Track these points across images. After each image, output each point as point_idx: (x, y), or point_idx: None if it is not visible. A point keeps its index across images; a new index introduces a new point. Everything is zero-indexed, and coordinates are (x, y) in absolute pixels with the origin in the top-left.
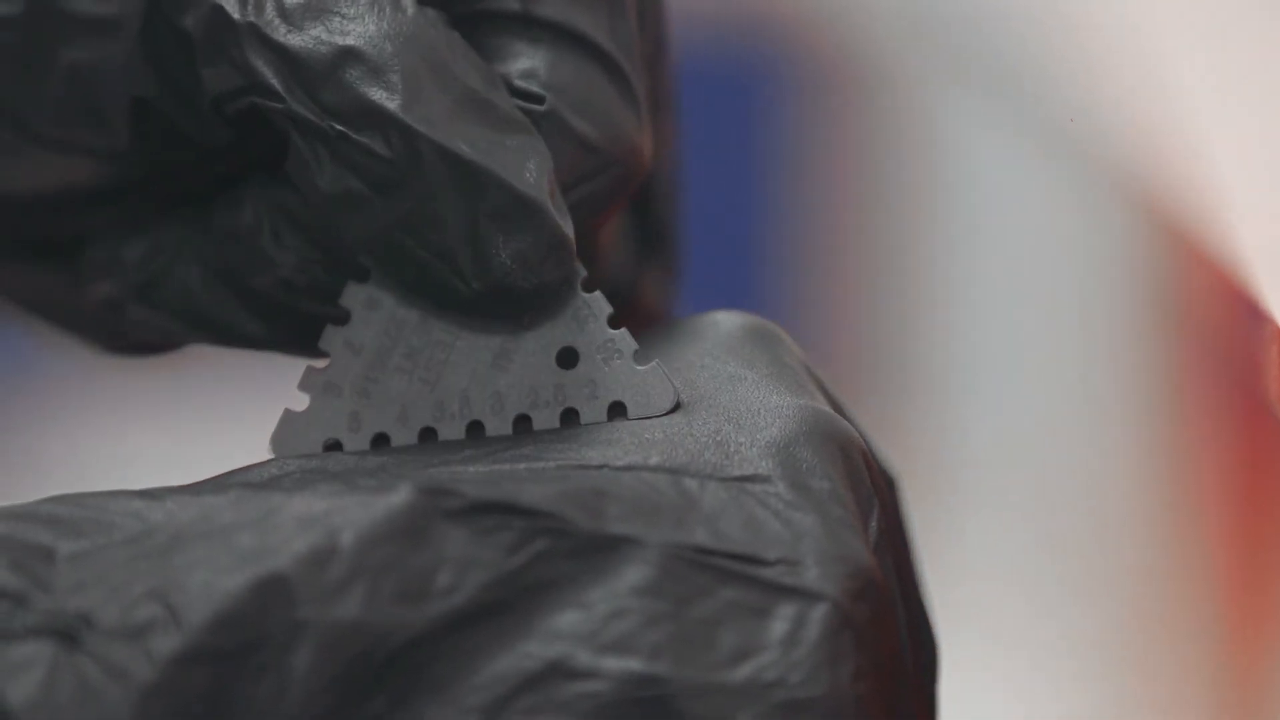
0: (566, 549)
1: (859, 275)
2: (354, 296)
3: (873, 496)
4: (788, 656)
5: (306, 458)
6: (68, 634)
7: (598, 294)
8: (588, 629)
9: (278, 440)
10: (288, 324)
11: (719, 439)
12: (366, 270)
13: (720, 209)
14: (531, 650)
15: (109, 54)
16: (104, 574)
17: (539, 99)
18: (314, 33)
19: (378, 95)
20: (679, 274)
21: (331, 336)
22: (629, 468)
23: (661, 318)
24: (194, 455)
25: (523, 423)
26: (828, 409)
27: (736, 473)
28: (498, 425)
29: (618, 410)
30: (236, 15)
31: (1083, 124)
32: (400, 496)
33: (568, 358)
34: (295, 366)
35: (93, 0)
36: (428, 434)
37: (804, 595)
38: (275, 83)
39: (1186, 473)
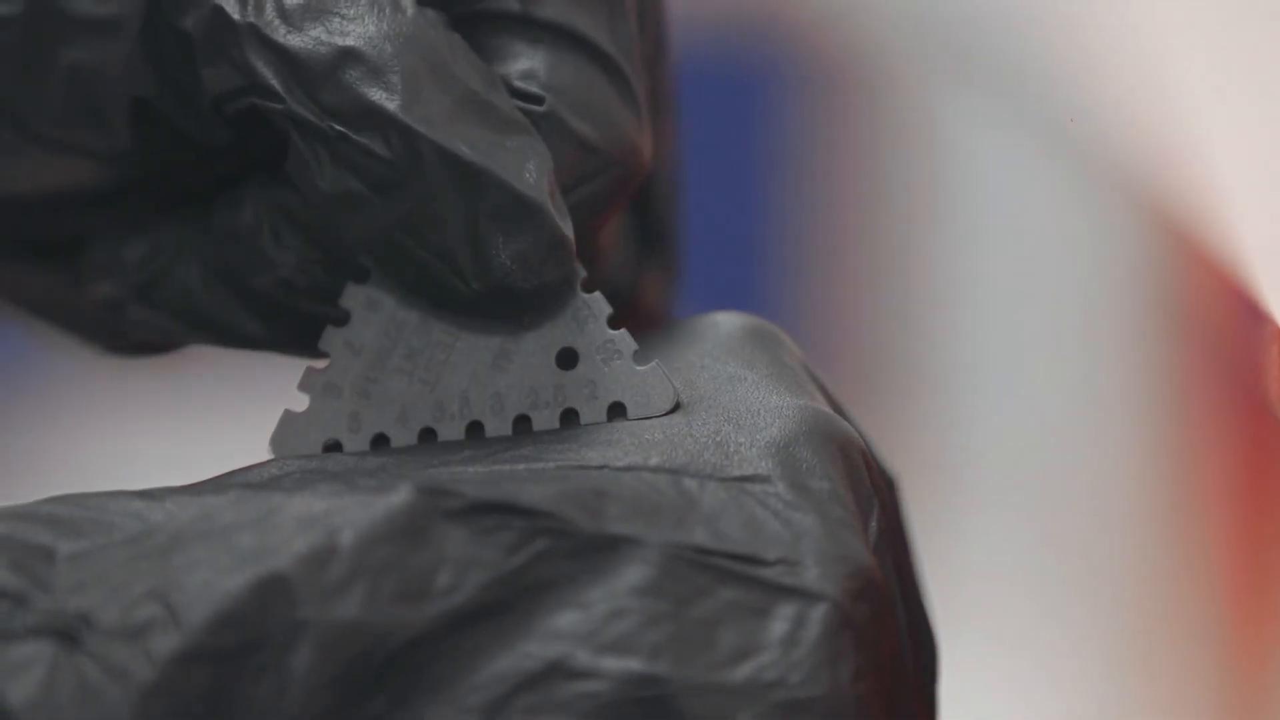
0: (566, 549)
1: (862, 275)
2: (354, 297)
3: (872, 497)
4: (788, 656)
5: (306, 458)
6: (68, 634)
7: (597, 294)
8: (587, 629)
9: (277, 441)
10: (288, 324)
11: (719, 439)
12: (366, 271)
13: (723, 209)
14: (531, 650)
15: (109, 54)
16: (104, 574)
17: (538, 100)
18: (314, 33)
19: (377, 96)
20: (679, 274)
21: (331, 337)
22: (629, 468)
23: (661, 318)
24: (194, 455)
25: (522, 423)
26: (827, 409)
27: (736, 473)
28: (497, 426)
29: (617, 411)
30: (236, 16)
31: (1085, 125)
32: (400, 496)
33: (567, 358)
34: (295, 367)
35: (93, 1)
36: (427, 434)
37: (804, 595)
38: (275, 83)
39: (1189, 473)
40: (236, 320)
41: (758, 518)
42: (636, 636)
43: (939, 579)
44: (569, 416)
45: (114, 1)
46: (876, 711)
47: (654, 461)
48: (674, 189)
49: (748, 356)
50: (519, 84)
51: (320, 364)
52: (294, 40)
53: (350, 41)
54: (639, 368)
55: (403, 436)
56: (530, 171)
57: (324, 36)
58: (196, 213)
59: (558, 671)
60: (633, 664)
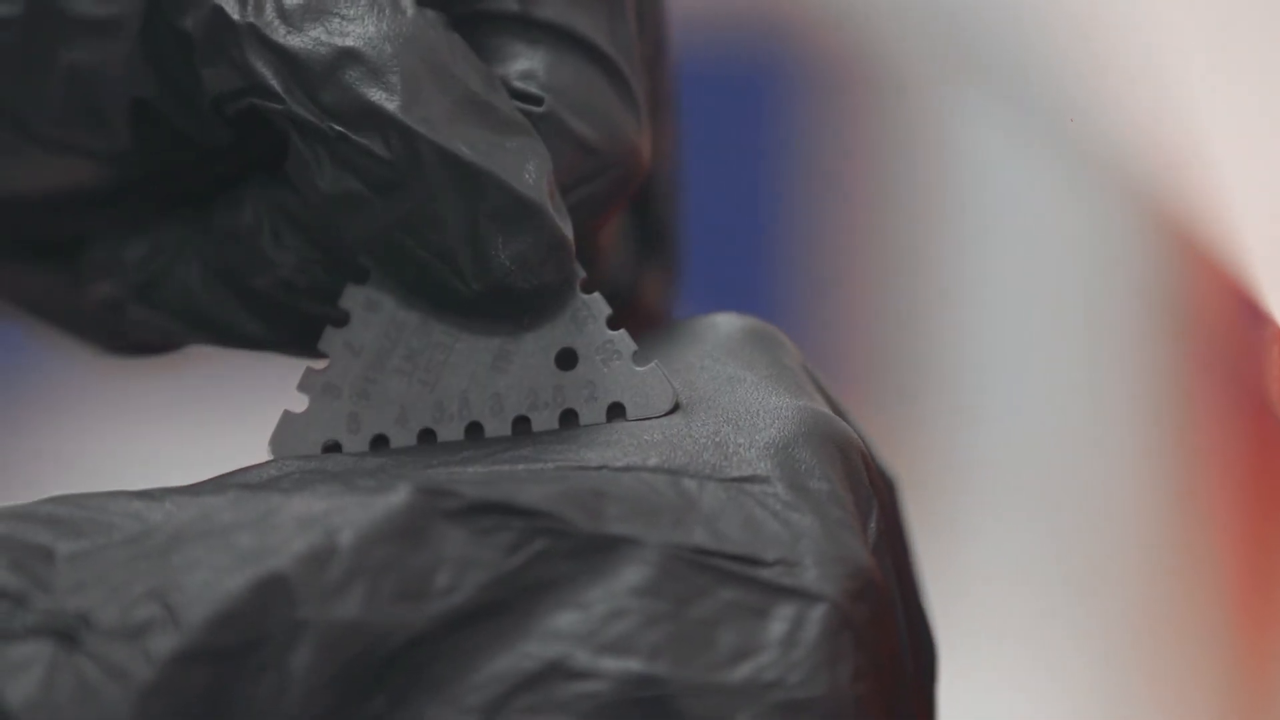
0: (565, 549)
1: (865, 276)
2: (353, 298)
3: (872, 498)
4: (787, 657)
5: (305, 459)
6: (67, 634)
7: (597, 295)
8: (586, 629)
9: (277, 441)
10: (288, 324)
11: (718, 440)
12: (366, 272)
13: (726, 209)
14: (530, 650)
15: (109, 55)
16: (103, 574)
17: (538, 100)
18: (314, 34)
19: (377, 96)
20: (679, 275)
21: (331, 338)
22: (628, 468)
23: (661, 318)
24: (193, 456)
25: (522, 424)
26: (827, 410)
27: (735, 473)
28: (497, 426)
29: (617, 411)
30: (236, 16)
31: (1090, 127)
32: (399, 497)
33: (567, 359)
34: (295, 367)
35: (93, 1)
36: (427, 435)
37: (803, 596)
38: (275, 84)
39: (1192, 473)
40: (236, 320)
41: (757, 518)
42: (635, 637)
43: (945, 580)
44: (568, 417)
45: (114, 1)
46: (876, 712)
47: (653, 462)
48: (674, 189)
49: (747, 358)
50: (518, 84)
51: (320, 365)
52: (294, 40)
53: (350, 42)
54: (638, 368)
55: (402, 437)
56: (530, 172)
57: (324, 37)
58: (196, 213)
59: (557, 672)
60: (632, 664)
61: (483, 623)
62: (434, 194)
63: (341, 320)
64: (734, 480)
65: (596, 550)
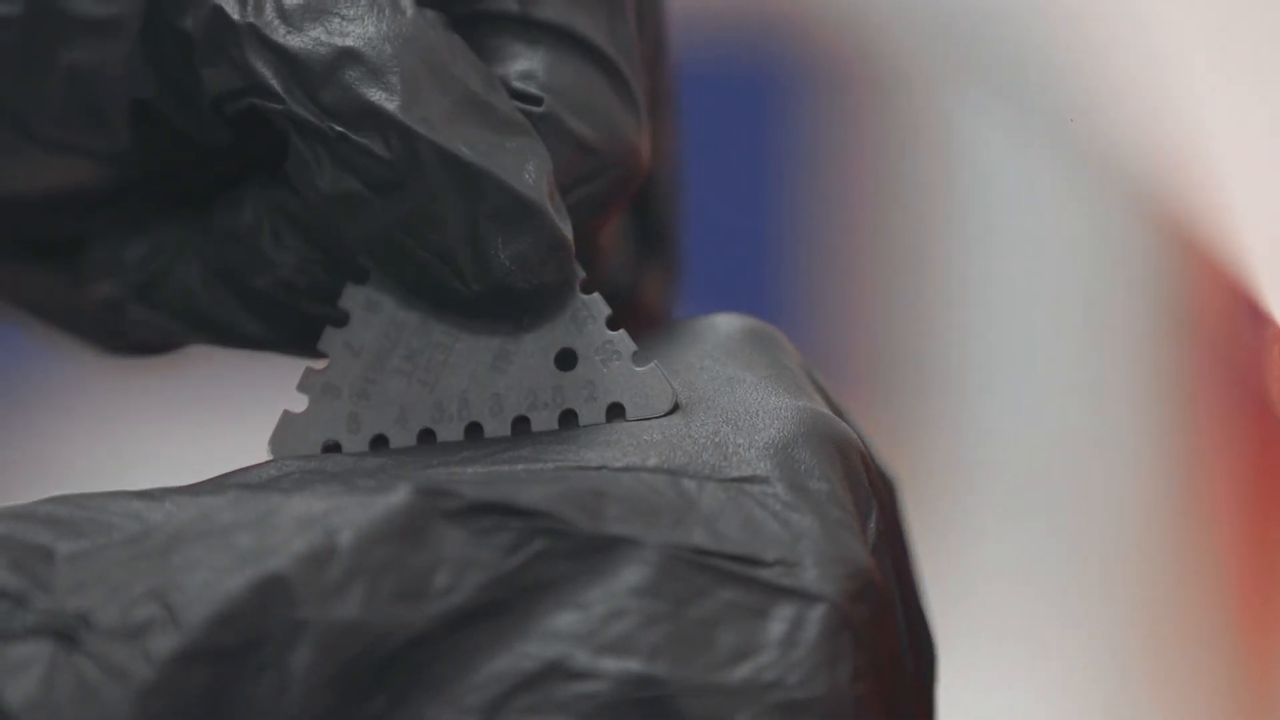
0: (565, 549)
1: (867, 276)
2: (353, 298)
3: (871, 498)
4: (786, 657)
5: (305, 459)
6: (67, 634)
7: (596, 296)
8: (586, 629)
9: (276, 441)
10: (288, 324)
11: (717, 440)
12: (365, 272)
13: (727, 209)
14: (530, 650)
15: (109, 55)
16: (103, 574)
17: (537, 100)
18: (313, 34)
19: (377, 96)
20: (679, 275)
21: (330, 338)
22: (627, 469)
23: (661, 318)
24: (193, 456)
25: (521, 424)
26: (826, 411)
27: (735, 474)
28: (496, 427)
29: (616, 412)
30: (236, 16)
31: (1092, 127)
32: (399, 497)
33: (566, 359)
34: (295, 368)
35: (93, 1)
36: (426, 435)
37: (802, 596)
38: (275, 84)
39: (1195, 474)
40: (236, 320)
41: (756, 518)
42: (635, 637)
43: (946, 580)
44: (568, 417)
45: (114, 1)
46: (875, 712)
47: (652, 462)
48: (674, 189)
49: (747, 358)
50: (518, 85)
51: (319, 365)
52: (294, 40)
53: (350, 42)
54: (638, 369)
55: (401, 437)
56: (530, 172)
57: (323, 37)
58: (196, 213)
59: (556, 672)
60: (631, 664)
61: (482, 623)
62: (434, 194)
63: (341, 320)
64: (733, 480)
65: (596, 550)
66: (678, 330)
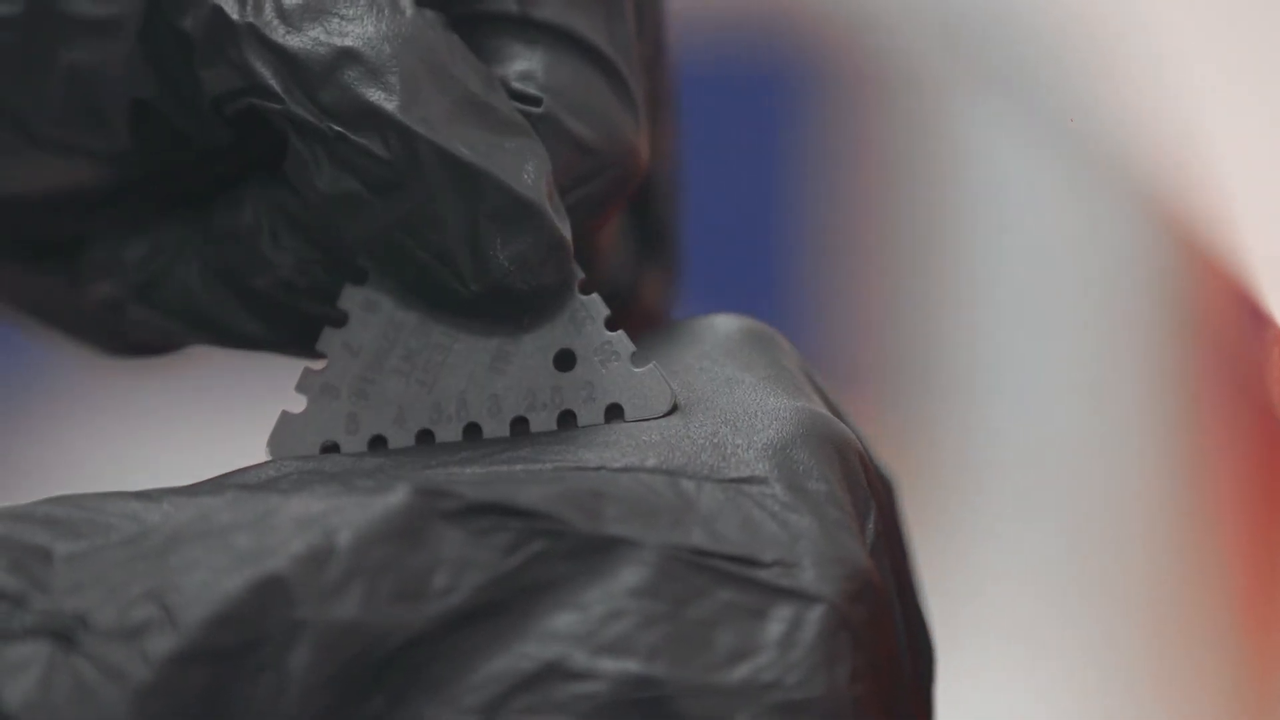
0: (563, 550)
1: (868, 277)
2: (352, 298)
3: (869, 499)
4: (784, 658)
5: (304, 459)
6: (65, 634)
7: (595, 296)
8: (584, 630)
9: (275, 442)
10: (287, 325)
11: (716, 441)
12: (365, 272)
13: (728, 210)
14: (528, 651)
15: (109, 55)
16: (101, 575)
17: (536, 101)
18: (313, 34)
19: (376, 96)
20: (679, 275)
21: (329, 338)
22: (626, 469)
23: (661, 319)
24: (192, 457)
25: (520, 425)
26: (825, 412)
27: (733, 474)
28: (495, 427)
29: (615, 412)
30: (235, 16)
31: (1094, 128)
32: (397, 497)
33: (565, 360)
34: (294, 368)
35: (93, 1)
36: (425, 436)
37: (801, 597)
38: (274, 84)
39: (1197, 475)
40: (236, 320)
41: (755, 519)
42: (633, 637)
43: (949, 580)
44: (566, 418)
45: (114, 2)
46: (873, 713)
47: (651, 463)
48: (674, 189)
49: (745, 359)
50: (517, 85)
51: (318, 365)
52: (293, 40)
53: (349, 42)
54: (636, 369)
55: (400, 438)
56: (529, 173)
57: (323, 37)
58: (196, 213)
59: (555, 672)
60: (630, 665)
61: (481, 623)
62: (433, 194)
63: (340, 321)
64: (732, 481)
65: (594, 551)
66: (677, 331)
